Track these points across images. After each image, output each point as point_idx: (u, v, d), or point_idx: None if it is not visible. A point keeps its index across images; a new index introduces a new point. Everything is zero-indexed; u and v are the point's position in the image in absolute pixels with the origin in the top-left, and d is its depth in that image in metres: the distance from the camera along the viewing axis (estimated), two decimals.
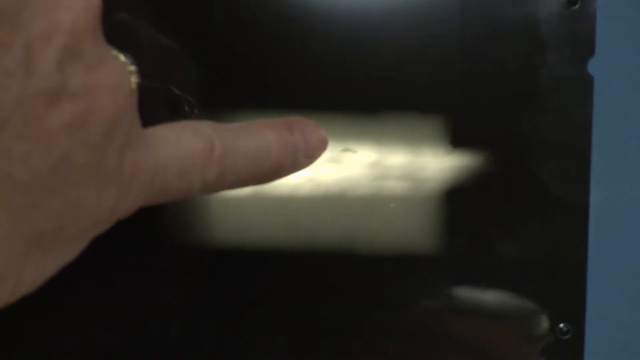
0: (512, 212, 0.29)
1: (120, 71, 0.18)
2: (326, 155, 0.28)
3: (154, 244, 0.28)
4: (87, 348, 0.28)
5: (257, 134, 0.22)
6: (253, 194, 0.28)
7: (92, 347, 0.28)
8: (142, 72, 0.19)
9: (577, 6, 0.29)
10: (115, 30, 0.25)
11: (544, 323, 0.29)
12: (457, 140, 0.29)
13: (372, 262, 0.29)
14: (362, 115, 0.28)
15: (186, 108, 0.26)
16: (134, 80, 0.18)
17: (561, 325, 0.29)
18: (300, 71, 0.28)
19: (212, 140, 0.21)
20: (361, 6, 0.28)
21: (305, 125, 0.24)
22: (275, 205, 0.28)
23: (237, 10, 0.28)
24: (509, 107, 0.29)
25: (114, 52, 0.18)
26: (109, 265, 0.27)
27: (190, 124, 0.21)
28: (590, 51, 0.29)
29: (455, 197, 0.29)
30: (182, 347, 0.28)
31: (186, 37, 0.27)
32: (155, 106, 0.26)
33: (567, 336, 0.29)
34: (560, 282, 0.29)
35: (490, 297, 0.29)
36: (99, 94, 0.17)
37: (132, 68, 0.18)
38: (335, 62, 0.28)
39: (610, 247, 0.30)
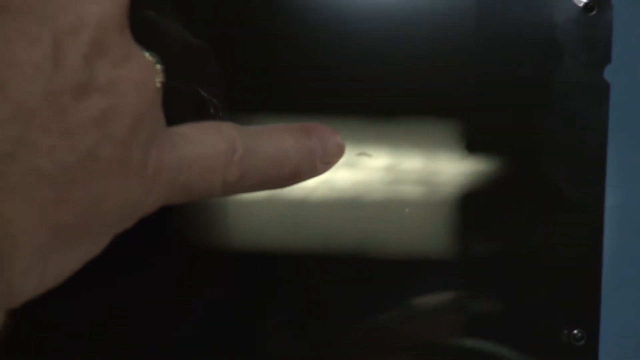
0: (527, 217, 0.29)
1: (146, 68, 0.18)
2: (341, 159, 0.28)
3: (168, 246, 0.28)
4: (97, 347, 0.28)
5: (277, 137, 0.22)
6: (268, 198, 0.28)
7: (102, 346, 0.28)
8: (169, 73, 0.19)
9: (593, 12, 0.29)
10: (144, 29, 0.25)
11: (559, 329, 0.29)
12: (473, 145, 0.29)
13: (387, 266, 0.29)
14: (377, 120, 0.28)
15: (211, 110, 0.26)
16: (159, 79, 0.19)
17: (575, 331, 0.29)
18: (318, 76, 0.28)
19: (234, 141, 0.21)
20: (378, 12, 0.28)
21: (322, 131, 0.24)
22: (290, 208, 0.28)
23: (261, 17, 0.28)
24: (524, 113, 0.29)
25: (140, 49, 0.18)
26: (124, 264, 0.27)
27: (214, 125, 0.21)
28: (606, 57, 0.29)
29: (470, 202, 0.29)
30: (195, 349, 0.28)
31: (214, 40, 0.27)
32: (181, 107, 0.26)
33: (582, 342, 0.29)
34: (574, 287, 0.29)
35: (503, 301, 0.29)
36: (124, 89, 0.17)
37: (159, 67, 0.19)
38: (352, 67, 0.28)
39: (625, 252, 0.29)
